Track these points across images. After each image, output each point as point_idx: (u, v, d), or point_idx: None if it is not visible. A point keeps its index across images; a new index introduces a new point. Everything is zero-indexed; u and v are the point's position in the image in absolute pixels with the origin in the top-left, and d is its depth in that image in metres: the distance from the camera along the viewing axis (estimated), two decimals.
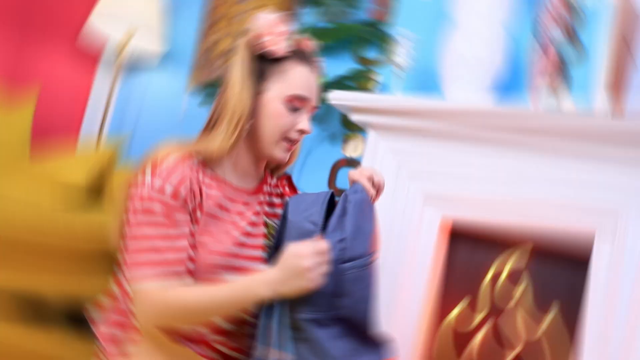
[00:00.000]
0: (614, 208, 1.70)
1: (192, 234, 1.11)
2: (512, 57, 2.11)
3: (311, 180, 2.42)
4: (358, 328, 1.12)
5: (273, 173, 1.35)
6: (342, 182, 2.38)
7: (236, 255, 1.15)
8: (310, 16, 2.50)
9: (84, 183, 2.17)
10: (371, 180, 1.20)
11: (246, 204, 1.22)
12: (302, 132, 1.22)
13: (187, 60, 2.88)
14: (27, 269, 1.98)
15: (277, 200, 1.33)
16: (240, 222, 1.19)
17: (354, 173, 1.22)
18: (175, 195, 1.09)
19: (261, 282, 1.06)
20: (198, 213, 1.12)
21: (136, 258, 1.07)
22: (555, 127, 1.75)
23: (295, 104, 1.19)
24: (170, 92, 2.89)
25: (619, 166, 1.71)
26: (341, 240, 1.09)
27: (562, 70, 2.03)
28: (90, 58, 2.98)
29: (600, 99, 1.90)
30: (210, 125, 1.21)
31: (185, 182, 1.11)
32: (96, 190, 2.36)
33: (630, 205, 1.68)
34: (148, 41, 2.66)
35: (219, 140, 1.15)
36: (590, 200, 1.73)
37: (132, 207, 1.11)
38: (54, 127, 2.86)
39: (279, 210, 1.32)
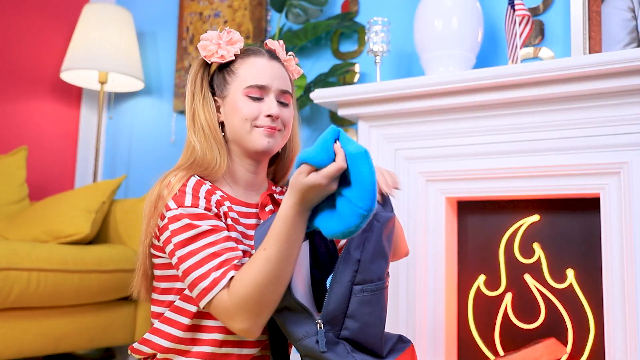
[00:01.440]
0: (616, 169, 1.70)
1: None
2: (490, 29, 2.12)
3: None
4: (363, 350, 1.10)
5: (276, 183, 1.35)
6: None
7: None
8: (283, 20, 2.51)
9: (88, 232, 2.18)
10: (393, 187, 1.14)
11: (257, 217, 1.22)
12: (270, 116, 1.18)
13: (170, 84, 2.89)
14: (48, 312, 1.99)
15: None
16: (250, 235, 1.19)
17: (382, 182, 1.12)
18: (206, 207, 1.10)
19: (285, 209, 1.02)
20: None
21: (195, 274, 1.05)
22: (537, 78, 1.75)
23: (253, 94, 1.18)
24: (157, 117, 2.90)
25: (613, 125, 1.71)
26: (358, 262, 1.06)
27: (537, 27, 2.03)
28: (72, 95, 2.98)
29: (576, 47, 1.90)
30: (189, 150, 1.20)
31: (208, 197, 1.12)
32: (99, 231, 2.38)
33: (631, 162, 1.68)
34: (128, 72, 2.67)
35: (209, 156, 1.16)
36: (591, 162, 1.74)
37: (167, 234, 1.10)
38: (47, 168, 2.87)
39: None
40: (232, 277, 1.04)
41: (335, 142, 1.00)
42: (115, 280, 2.13)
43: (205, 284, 1.04)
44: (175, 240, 1.08)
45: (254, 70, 1.19)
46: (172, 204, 1.10)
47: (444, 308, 1.93)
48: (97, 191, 2.31)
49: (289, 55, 1.28)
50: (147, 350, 1.16)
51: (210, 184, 1.17)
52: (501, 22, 2.10)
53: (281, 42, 1.27)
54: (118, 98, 3.03)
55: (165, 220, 1.10)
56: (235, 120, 1.19)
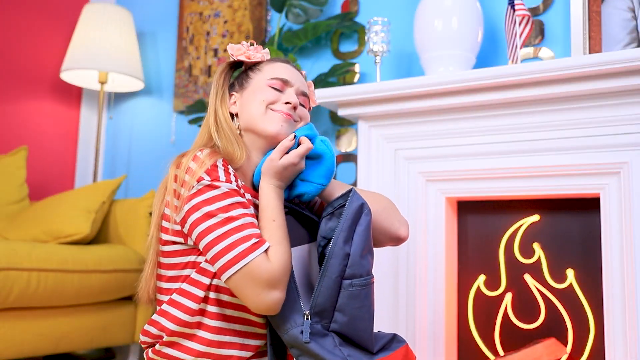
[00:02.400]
0: (616, 169, 1.70)
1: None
2: (490, 29, 2.12)
3: None
4: (353, 344, 1.11)
5: None
6: (341, 178, 2.38)
7: None
8: (283, 20, 2.51)
9: (88, 232, 2.18)
10: None
11: None
12: (288, 103, 1.21)
13: (170, 84, 2.89)
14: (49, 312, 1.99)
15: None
16: None
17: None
18: (229, 182, 1.10)
19: (270, 192, 1.15)
20: None
21: (218, 248, 1.04)
22: (537, 78, 1.75)
23: (275, 85, 1.22)
24: (157, 117, 2.90)
25: (613, 125, 1.71)
26: (348, 256, 1.09)
27: (537, 27, 2.03)
28: (72, 95, 2.98)
29: (576, 47, 1.91)
30: (203, 138, 1.22)
31: (236, 179, 1.14)
32: (99, 231, 2.38)
33: (631, 162, 1.68)
34: (128, 72, 2.67)
35: (230, 149, 1.17)
36: (591, 162, 1.74)
37: (196, 202, 1.08)
38: (47, 168, 2.87)
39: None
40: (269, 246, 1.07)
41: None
42: (115, 280, 2.13)
43: (245, 245, 1.04)
44: (207, 208, 1.07)
45: (279, 68, 1.26)
46: (205, 176, 1.09)
47: (444, 308, 1.93)
48: (97, 191, 2.31)
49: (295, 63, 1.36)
50: (155, 331, 1.16)
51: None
52: (501, 22, 2.10)
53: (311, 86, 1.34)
54: (118, 98, 3.03)
55: (194, 190, 1.08)
56: (252, 104, 1.22)
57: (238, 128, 1.24)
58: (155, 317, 1.16)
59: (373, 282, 1.13)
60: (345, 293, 1.09)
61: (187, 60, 2.82)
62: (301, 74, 1.31)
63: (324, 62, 2.46)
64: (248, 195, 1.18)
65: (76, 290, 2.01)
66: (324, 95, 2.04)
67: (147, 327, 1.18)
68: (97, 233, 2.35)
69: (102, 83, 2.70)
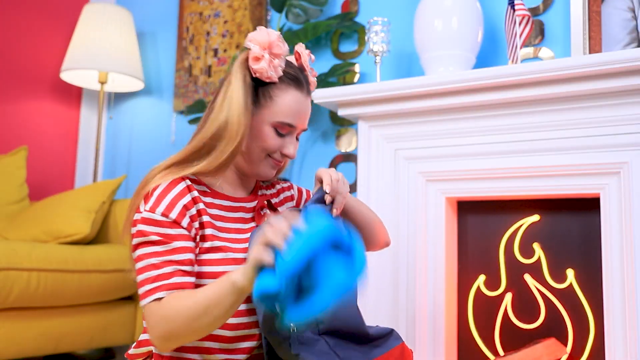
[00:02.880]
0: (616, 169, 1.70)
1: (193, 250, 1.10)
2: (490, 29, 2.12)
3: (311, 181, 2.43)
4: (347, 336, 1.11)
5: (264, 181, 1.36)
6: None
7: None
8: (283, 20, 2.51)
9: (88, 232, 2.18)
10: (336, 183, 1.18)
11: (244, 210, 1.22)
12: (286, 156, 1.21)
13: (170, 84, 2.89)
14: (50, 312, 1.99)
15: (284, 195, 1.36)
16: (239, 239, 1.19)
17: (321, 172, 1.21)
18: (165, 214, 1.09)
19: (239, 270, 1.01)
20: (198, 238, 1.12)
21: (139, 278, 1.07)
22: (537, 78, 1.75)
23: (281, 129, 1.18)
24: (157, 117, 2.90)
25: (613, 125, 1.71)
26: None
27: (537, 27, 2.03)
28: (72, 95, 2.98)
29: (576, 47, 1.91)
30: (201, 144, 1.17)
31: (177, 203, 1.11)
32: (99, 231, 2.38)
33: (631, 162, 1.68)
34: (128, 72, 2.67)
35: (214, 163, 1.14)
36: (591, 162, 1.74)
37: (132, 233, 1.12)
38: (47, 168, 2.87)
39: (288, 203, 1.35)
40: (172, 291, 1.04)
41: None
42: (115, 280, 2.13)
43: (141, 292, 1.06)
44: (134, 244, 1.10)
45: (292, 108, 1.17)
46: (142, 206, 1.11)
47: (444, 308, 1.93)
48: (97, 191, 2.32)
49: (312, 81, 1.24)
50: (143, 350, 1.16)
51: (194, 184, 1.16)
52: (501, 22, 2.10)
53: (312, 56, 1.24)
54: (118, 98, 3.03)
55: (139, 218, 1.11)
56: (255, 144, 1.18)
57: None
58: (142, 336, 1.18)
59: None
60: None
61: (187, 60, 2.82)
62: (310, 90, 1.24)
63: (324, 62, 2.46)
64: (220, 202, 1.18)
65: (76, 290, 2.01)
66: (324, 95, 2.04)
67: (133, 350, 1.18)
68: (97, 233, 2.35)
69: (102, 83, 2.70)
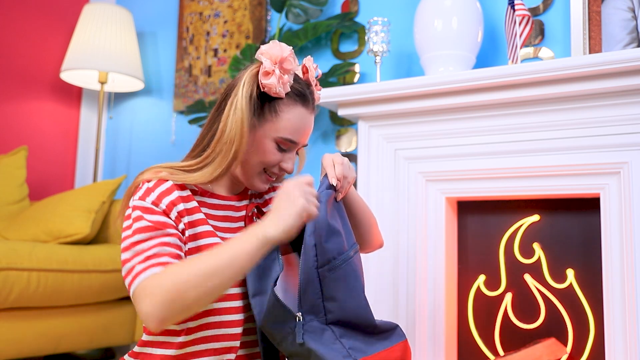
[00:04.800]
0: (616, 169, 1.70)
1: (180, 245, 1.09)
2: (490, 29, 2.12)
3: None
4: (354, 327, 1.11)
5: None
6: None
7: None
8: (283, 20, 2.51)
9: (88, 232, 2.18)
10: (341, 167, 1.18)
11: (233, 208, 1.23)
12: (283, 170, 1.21)
13: (170, 84, 2.89)
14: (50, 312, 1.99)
15: (267, 196, 1.34)
16: (227, 237, 1.17)
17: (325, 159, 1.22)
18: (156, 203, 1.10)
19: (256, 227, 1.02)
20: (186, 235, 1.12)
21: (127, 265, 1.05)
22: (537, 78, 1.75)
23: (283, 145, 1.18)
24: (157, 117, 2.90)
25: (613, 125, 1.71)
26: (315, 246, 1.08)
27: (537, 27, 2.03)
28: (72, 95, 2.98)
29: (576, 47, 1.91)
30: (199, 151, 1.19)
31: (164, 198, 1.11)
32: (99, 231, 2.38)
33: (631, 162, 1.68)
34: (128, 72, 2.67)
35: (208, 173, 1.14)
36: (591, 162, 1.73)
37: (122, 227, 1.13)
38: (47, 168, 2.87)
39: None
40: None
41: None
42: (115, 280, 2.13)
43: (130, 277, 1.04)
44: (123, 236, 1.10)
45: (296, 125, 1.17)
46: (132, 202, 1.12)
47: (444, 308, 1.93)
48: (97, 191, 2.32)
49: (316, 98, 1.24)
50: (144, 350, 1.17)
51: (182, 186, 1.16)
52: (501, 22, 2.10)
53: (319, 70, 1.24)
54: (118, 98, 3.03)
55: (131, 206, 1.12)
56: (254, 158, 1.18)
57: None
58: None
59: (351, 255, 1.12)
60: (326, 281, 1.08)
61: (187, 60, 2.82)
62: (314, 107, 1.23)
63: (324, 62, 2.46)
64: (210, 200, 1.18)
65: (76, 290, 2.01)
66: (324, 95, 2.04)
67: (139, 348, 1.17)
68: (97, 233, 2.35)
69: (102, 83, 2.71)
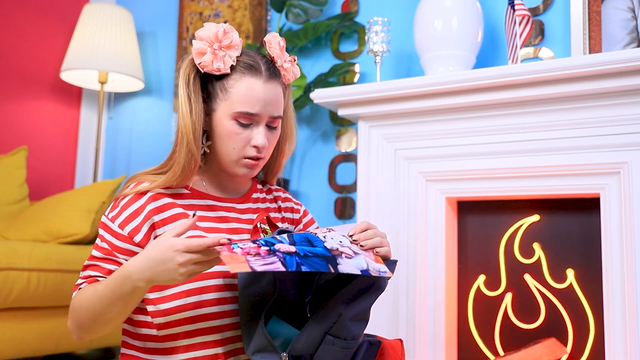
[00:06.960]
0: (616, 169, 1.70)
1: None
2: (490, 29, 2.12)
3: (311, 182, 2.43)
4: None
5: (265, 181, 1.34)
6: (341, 178, 2.38)
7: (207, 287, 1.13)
8: (283, 20, 2.51)
9: (88, 232, 2.18)
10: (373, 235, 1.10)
11: (235, 210, 1.22)
12: (255, 147, 1.15)
13: (170, 84, 2.89)
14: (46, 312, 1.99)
15: (283, 205, 1.33)
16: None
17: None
18: (121, 227, 1.12)
19: (133, 268, 1.01)
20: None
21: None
22: (537, 78, 1.75)
23: (242, 120, 1.13)
24: (157, 117, 2.90)
25: (613, 125, 1.71)
26: (339, 315, 1.03)
27: (537, 27, 2.03)
28: (72, 95, 2.98)
29: (576, 47, 1.91)
30: (169, 155, 1.18)
31: (134, 219, 1.11)
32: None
33: (631, 162, 1.68)
34: (128, 72, 2.67)
35: (174, 172, 1.13)
36: (591, 162, 1.74)
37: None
38: (47, 168, 2.87)
39: (288, 215, 1.32)
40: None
41: None
42: None
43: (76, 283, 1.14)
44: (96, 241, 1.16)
45: (248, 95, 1.13)
46: (108, 212, 1.16)
47: (444, 308, 1.93)
48: (97, 191, 2.31)
49: (289, 60, 1.21)
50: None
51: (166, 193, 1.16)
52: (501, 22, 2.10)
53: (282, 42, 1.21)
54: (118, 98, 3.03)
55: (101, 221, 1.17)
56: (222, 144, 1.16)
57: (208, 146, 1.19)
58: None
59: (357, 347, 1.08)
60: (325, 347, 1.04)
61: None
62: (274, 64, 1.19)
63: (324, 62, 2.46)
64: (203, 202, 1.19)
65: None
66: (323, 95, 2.04)
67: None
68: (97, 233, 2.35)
69: (102, 83, 2.70)
